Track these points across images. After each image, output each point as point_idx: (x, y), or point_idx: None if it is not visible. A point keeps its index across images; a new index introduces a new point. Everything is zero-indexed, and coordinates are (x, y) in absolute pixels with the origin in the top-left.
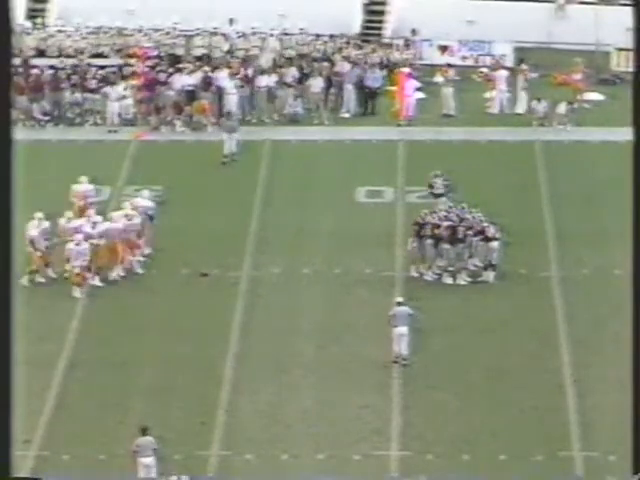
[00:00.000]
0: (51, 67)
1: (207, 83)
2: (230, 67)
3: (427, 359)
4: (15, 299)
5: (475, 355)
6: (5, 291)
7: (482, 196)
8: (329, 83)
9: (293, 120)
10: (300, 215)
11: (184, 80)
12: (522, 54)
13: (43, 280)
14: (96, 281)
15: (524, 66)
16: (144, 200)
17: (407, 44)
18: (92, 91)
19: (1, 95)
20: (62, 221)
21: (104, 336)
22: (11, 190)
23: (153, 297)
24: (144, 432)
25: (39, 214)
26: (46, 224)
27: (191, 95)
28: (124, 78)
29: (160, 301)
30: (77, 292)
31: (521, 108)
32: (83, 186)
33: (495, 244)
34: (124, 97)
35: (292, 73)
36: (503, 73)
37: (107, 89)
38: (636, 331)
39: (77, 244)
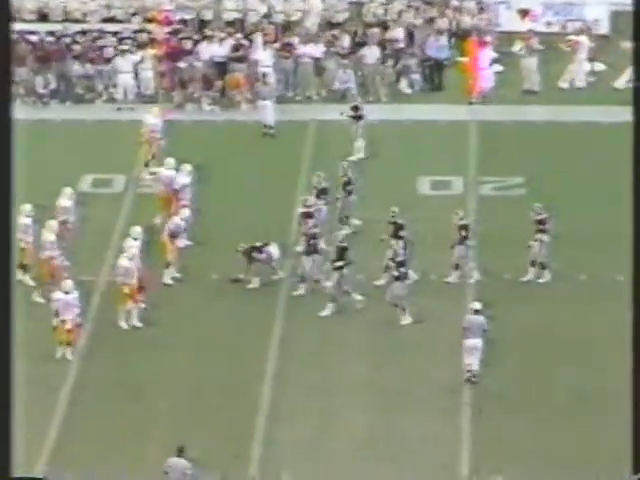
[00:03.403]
0: (52, 34)
1: (242, 53)
2: (266, 34)
3: (502, 378)
4: (15, 298)
5: (556, 374)
6: (5, 290)
7: (568, 187)
8: (386, 53)
9: (343, 96)
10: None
11: (213, 50)
12: (619, 19)
13: (32, 283)
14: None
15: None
16: (183, 176)
17: (480, 7)
18: (104, 62)
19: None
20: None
21: (118, 354)
22: (11, 176)
23: (176, 307)
24: (179, 453)
25: (27, 207)
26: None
27: (222, 67)
28: (141, 47)
29: (185, 312)
30: (67, 353)
31: (619, 83)
32: (156, 119)
33: (546, 237)
34: (139, 69)
35: (343, 41)
36: (584, 40)
37: (118, 60)
38: (636, 334)
39: (67, 292)
